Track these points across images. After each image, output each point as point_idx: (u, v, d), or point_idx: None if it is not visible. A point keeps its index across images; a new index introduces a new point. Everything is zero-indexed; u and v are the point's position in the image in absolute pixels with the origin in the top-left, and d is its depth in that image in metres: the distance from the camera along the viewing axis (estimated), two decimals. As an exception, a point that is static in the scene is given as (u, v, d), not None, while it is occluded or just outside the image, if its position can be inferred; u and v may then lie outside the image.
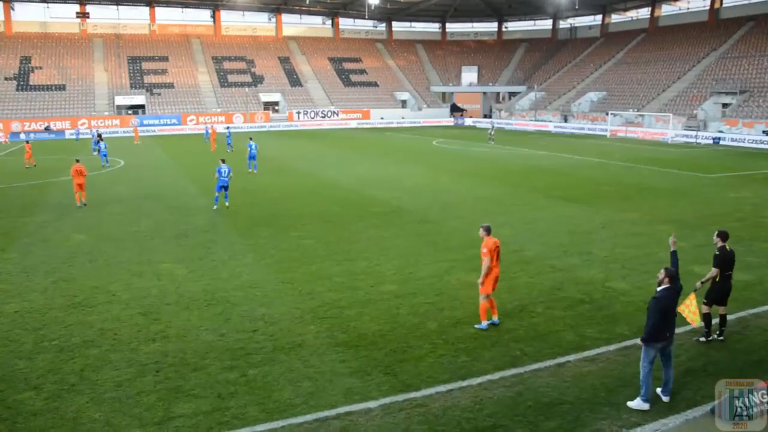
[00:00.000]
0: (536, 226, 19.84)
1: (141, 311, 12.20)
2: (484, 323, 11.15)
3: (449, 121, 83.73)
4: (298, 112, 76.36)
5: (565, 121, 71.27)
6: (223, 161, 23.98)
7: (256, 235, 18.72)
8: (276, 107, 79.55)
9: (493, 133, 54.74)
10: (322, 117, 77.24)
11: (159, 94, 75.04)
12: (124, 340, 10.81)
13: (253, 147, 33.19)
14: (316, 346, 10.51)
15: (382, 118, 79.64)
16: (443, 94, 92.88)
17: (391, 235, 18.74)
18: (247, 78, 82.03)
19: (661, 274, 8.55)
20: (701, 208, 22.95)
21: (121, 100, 72.58)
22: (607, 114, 64.20)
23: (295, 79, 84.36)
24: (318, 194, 26.48)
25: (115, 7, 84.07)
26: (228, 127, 54.99)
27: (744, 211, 22.36)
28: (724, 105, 58.85)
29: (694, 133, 54.70)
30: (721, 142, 51.75)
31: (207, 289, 13.58)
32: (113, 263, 15.72)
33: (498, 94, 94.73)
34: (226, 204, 23.37)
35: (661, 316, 8.32)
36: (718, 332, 10.70)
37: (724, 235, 10.65)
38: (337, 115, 78.36)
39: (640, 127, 61.04)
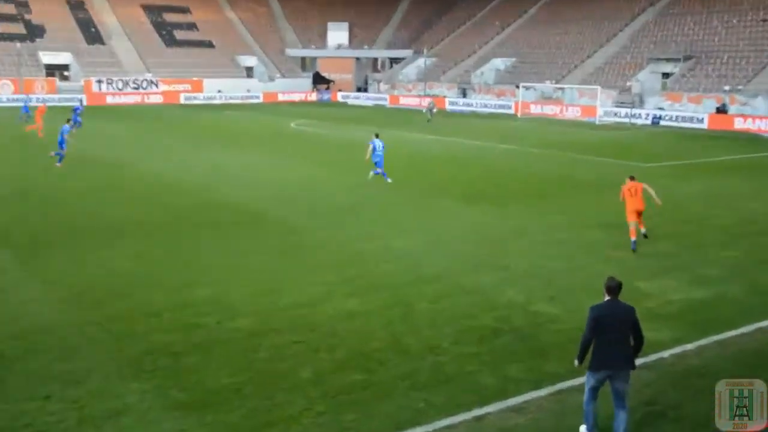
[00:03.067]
0: (435, 235, 20.24)
1: None
2: (633, 241, 18.23)
3: (312, 96, 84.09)
4: (99, 81, 73.76)
5: (464, 95, 73.59)
6: (377, 136, 28.92)
7: (46, 257, 17.81)
8: (65, 73, 76.49)
9: (435, 111, 57.36)
10: (134, 88, 75.16)
11: None
12: None
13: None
14: (143, 412, 10.11)
15: (219, 91, 78.64)
16: (303, 59, 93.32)
17: (243, 250, 18.52)
18: (19, 28, 78.38)
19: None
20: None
21: None
22: (517, 87, 66.77)
23: (93, 34, 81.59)
24: (138, 196, 25.72)
25: None
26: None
27: (692, 210, 23.98)
28: (665, 75, 62.63)
29: (628, 110, 58.13)
30: (662, 122, 55.26)
31: (-30, 339, 12.70)
32: None
33: (376, 60, 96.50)
34: (379, 173, 28.32)
35: (595, 332, 8.67)
36: None
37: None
38: (157, 85, 76.58)
39: (560, 104, 64.04)
